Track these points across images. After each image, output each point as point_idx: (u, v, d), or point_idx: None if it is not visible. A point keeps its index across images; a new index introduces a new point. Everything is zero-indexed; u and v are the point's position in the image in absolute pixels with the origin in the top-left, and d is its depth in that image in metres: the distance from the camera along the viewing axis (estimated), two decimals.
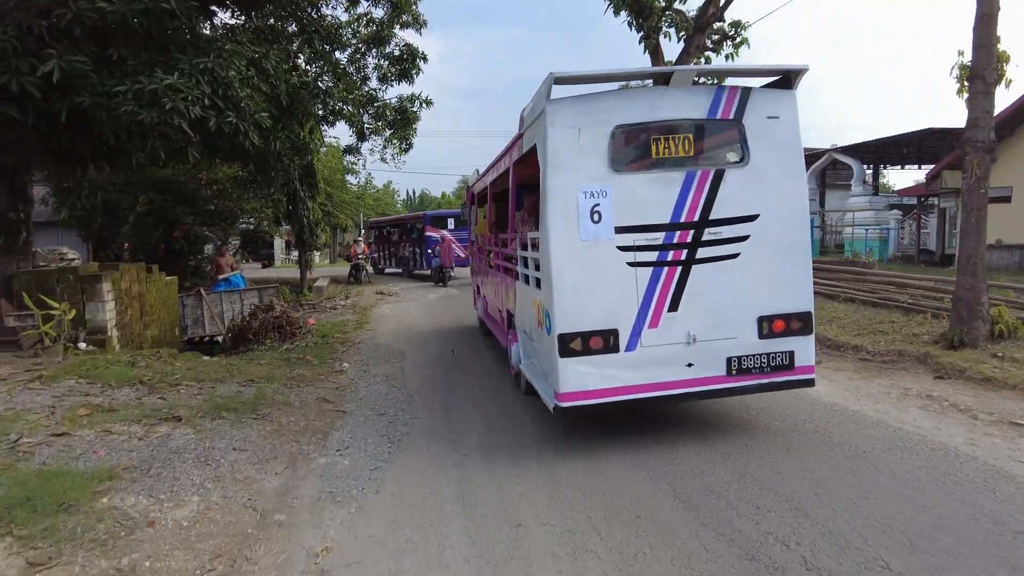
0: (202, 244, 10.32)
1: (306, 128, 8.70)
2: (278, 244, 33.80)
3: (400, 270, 22.41)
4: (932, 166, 24.26)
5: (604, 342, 3.91)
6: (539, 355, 4.61)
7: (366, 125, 9.36)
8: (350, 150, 10.10)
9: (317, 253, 37.44)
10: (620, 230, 3.89)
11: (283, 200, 12.61)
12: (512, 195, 5.45)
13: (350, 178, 23.42)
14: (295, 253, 28.65)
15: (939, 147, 20.91)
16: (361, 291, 15.82)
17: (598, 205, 3.86)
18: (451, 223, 19.70)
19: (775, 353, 4.10)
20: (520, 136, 4.73)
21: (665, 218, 3.95)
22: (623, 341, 3.93)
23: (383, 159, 10.02)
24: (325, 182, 17.48)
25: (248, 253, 36.12)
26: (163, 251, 10.11)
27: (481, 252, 8.43)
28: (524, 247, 5.18)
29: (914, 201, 24.62)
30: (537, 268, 4.46)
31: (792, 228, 4.07)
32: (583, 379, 3.89)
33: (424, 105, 9.27)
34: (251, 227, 15.48)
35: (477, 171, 8.79)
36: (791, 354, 4.12)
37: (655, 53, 9.22)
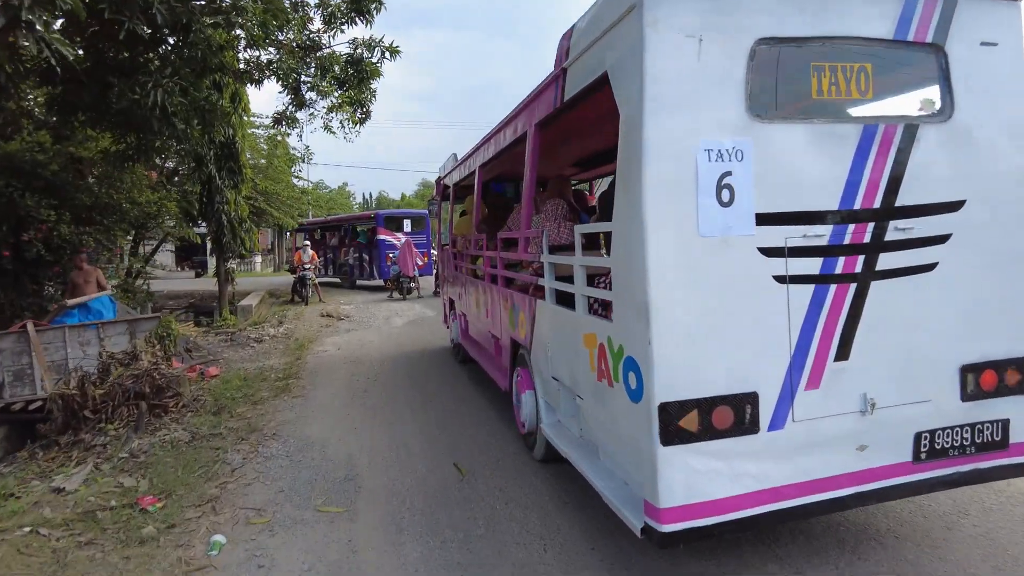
0: (72, 250, 7.27)
1: (227, 93, 6.67)
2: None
3: (339, 280, 19.98)
4: None
5: (736, 416, 2.32)
6: (596, 427, 2.98)
7: (304, 80, 6.85)
8: (282, 119, 7.30)
9: (259, 260, 33.68)
10: (764, 220, 2.33)
11: (196, 191, 9.80)
12: (530, 173, 3.81)
13: (300, 172, 20.33)
14: (233, 261, 25.22)
15: None
16: (302, 313, 12.29)
17: (729, 175, 2.28)
18: (407, 225, 17.73)
19: (983, 424, 2.64)
20: (561, 74, 3.10)
21: (832, 202, 2.42)
22: (766, 413, 2.36)
23: (328, 128, 7.29)
24: (257, 171, 14.78)
25: (180, 260, 31.86)
26: (8, 259, 7.26)
27: (461, 258, 6.72)
28: (555, 250, 3.57)
29: None
30: (598, 282, 2.85)
31: (1014, 224, 2.63)
32: (701, 482, 2.29)
33: (388, 55, 6.80)
34: (171, 229, 12.00)
35: (455, 156, 7.10)
36: (1005, 425, 2.66)
37: None
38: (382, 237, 16.81)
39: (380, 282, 17.18)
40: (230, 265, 11.62)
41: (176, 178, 10.20)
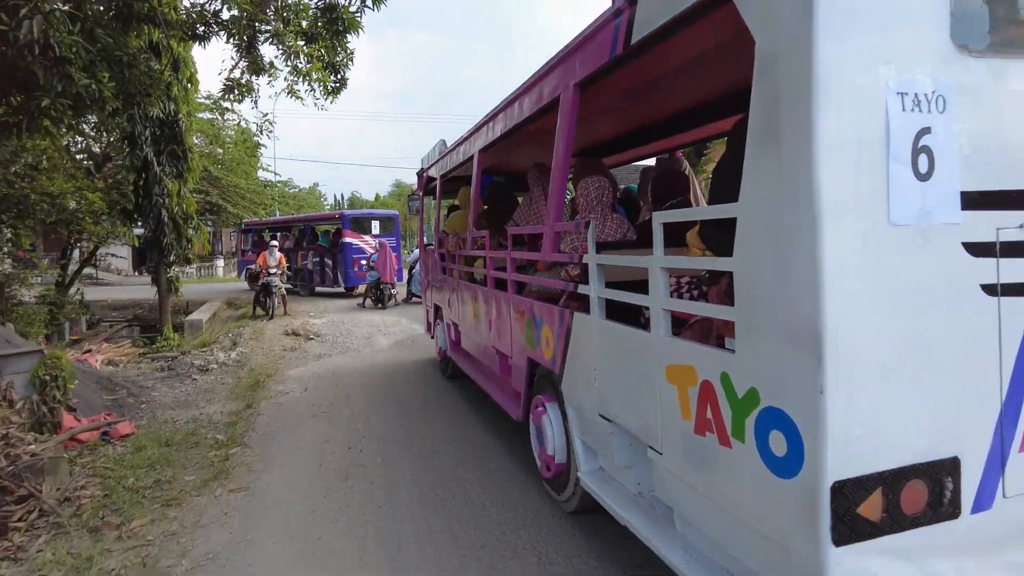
0: None
1: (166, 60, 5.64)
2: None
3: (292, 286, 18.64)
4: None
5: (931, 495, 1.60)
6: (682, 494, 2.21)
7: (262, 30, 5.19)
8: (234, 86, 5.74)
9: (221, 264, 31.36)
10: (972, 201, 1.62)
11: (130, 180, 8.24)
12: (564, 148, 3.04)
13: (263, 155, 18.62)
14: (194, 265, 22.76)
15: None
16: (262, 330, 10.05)
17: (927, 133, 1.56)
18: (376, 226, 16.68)
19: None
20: (626, 7, 2.34)
21: None
22: (969, 488, 1.64)
23: (292, 92, 5.71)
24: (211, 160, 13.39)
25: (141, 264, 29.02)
26: None
27: (451, 259, 5.90)
28: (606, 244, 2.84)
29: None
30: (706, 291, 2.12)
31: None
32: None
33: (370, 3, 5.41)
34: (98, 228, 10.16)
35: (443, 142, 6.28)
36: None
37: None
38: (348, 240, 15.70)
39: (341, 289, 16.07)
40: (187, 270, 10.22)
41: (108, 165, 8.87)
